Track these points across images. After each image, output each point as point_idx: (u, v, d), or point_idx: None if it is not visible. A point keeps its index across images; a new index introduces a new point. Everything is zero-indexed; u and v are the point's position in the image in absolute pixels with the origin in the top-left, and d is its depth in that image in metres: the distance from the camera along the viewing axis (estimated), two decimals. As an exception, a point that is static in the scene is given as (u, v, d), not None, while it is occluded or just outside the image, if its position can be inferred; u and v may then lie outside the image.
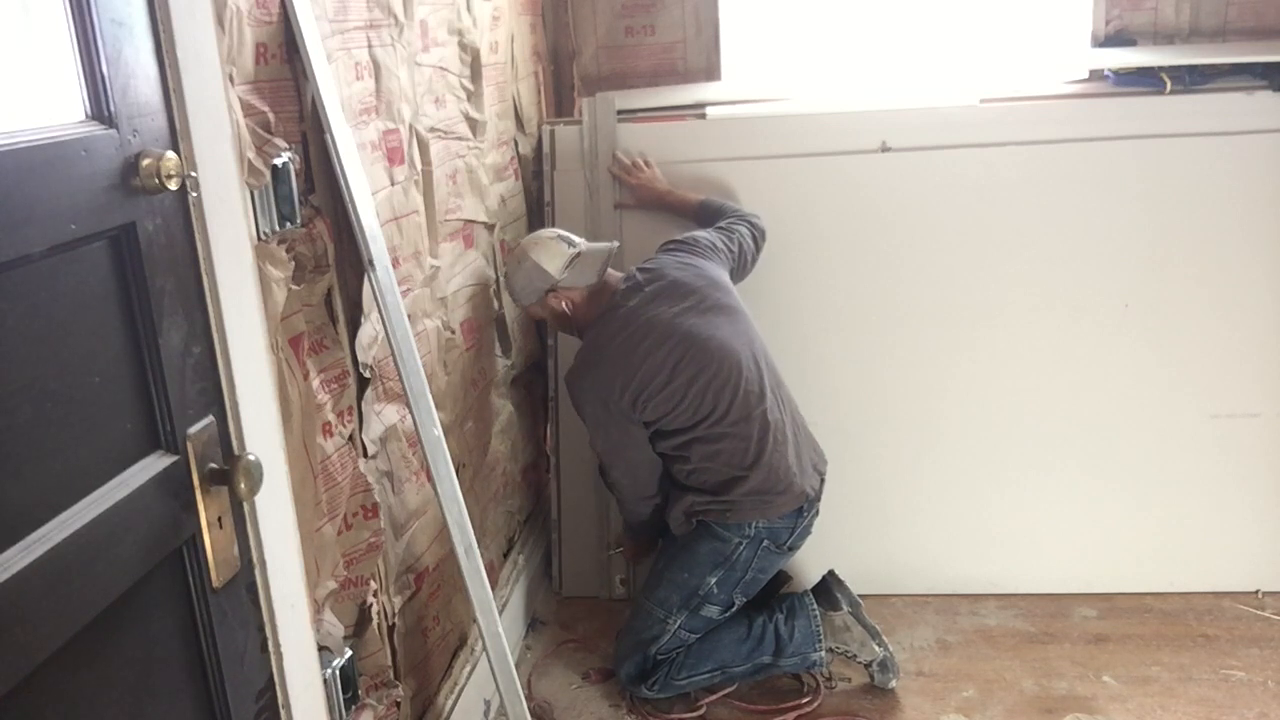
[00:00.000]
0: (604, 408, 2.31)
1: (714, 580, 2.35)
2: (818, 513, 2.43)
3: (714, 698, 2.41)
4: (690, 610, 2.36)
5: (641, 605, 2.43)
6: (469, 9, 2.34)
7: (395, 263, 1.86)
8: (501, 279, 2.59)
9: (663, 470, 2.42)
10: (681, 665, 2.37)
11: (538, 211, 2.90)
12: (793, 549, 2.41)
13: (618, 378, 2.28)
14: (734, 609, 2.40)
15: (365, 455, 1.80)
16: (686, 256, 2.45)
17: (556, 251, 2.38)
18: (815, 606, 2.42)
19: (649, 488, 2.42)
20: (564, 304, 2.40)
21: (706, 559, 2.35)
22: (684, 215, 2.70)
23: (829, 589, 2.47)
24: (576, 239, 2.43)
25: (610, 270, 2.42)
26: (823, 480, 2.45)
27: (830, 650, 2.40)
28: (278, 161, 1.48)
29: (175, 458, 1.12)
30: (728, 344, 2.32)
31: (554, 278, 2.37)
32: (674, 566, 2.39)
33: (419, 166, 2.05)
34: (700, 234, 2.53)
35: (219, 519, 1.18)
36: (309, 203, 1.62)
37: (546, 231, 2.47)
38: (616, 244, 2.49)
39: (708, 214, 2.65)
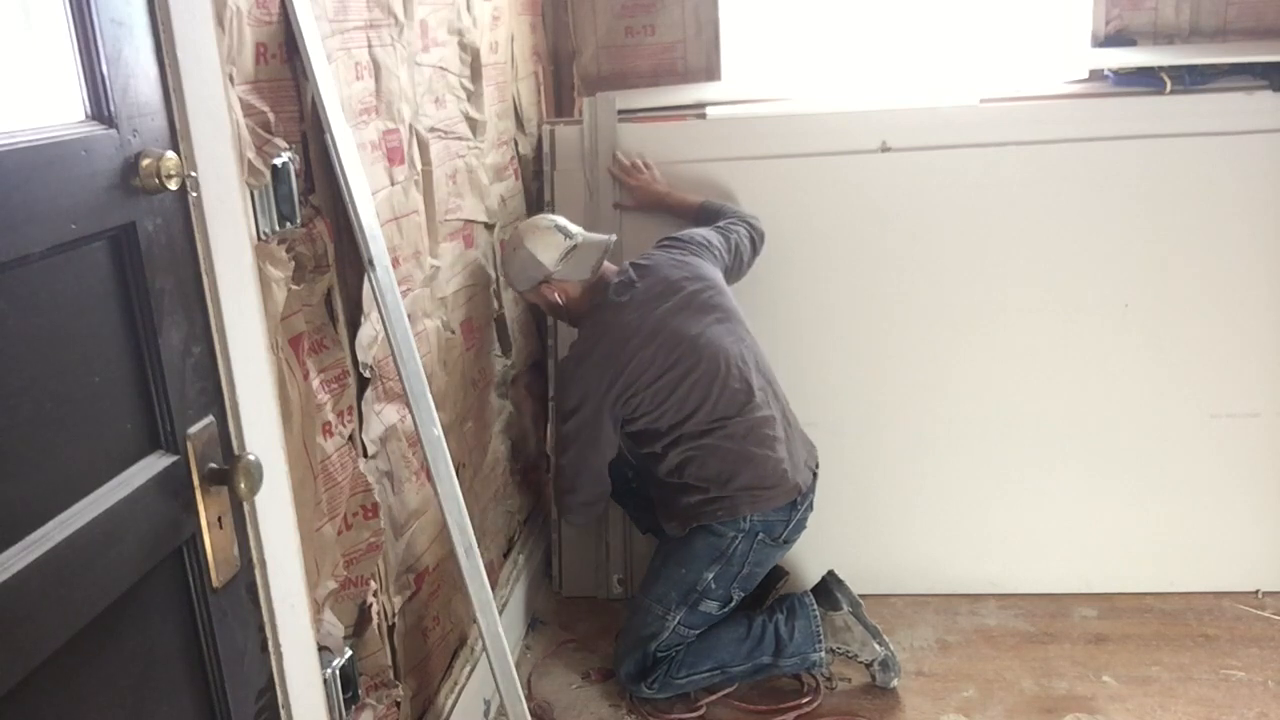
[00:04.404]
0: (585, 400, 2.32)
1: (711, 575, 2.35)
2: (811, 506, 2.43)
3: (714, 698, 2.41)
4: (689, 606, 2.36)
5: (640, 603, 2.43)
6: (469, 9, 2.34)
7: (395, 263, 1.86)
8: (500, 279, 2.59)
9: (652, 475, 2.43)
10: (681, 664, 2.37)
11: (538, 211, 2.90)
12: (788, 542, 2.42)
13: (606, 374, 2.30)
14: (732, 604, 2.40)
15: (365, 455, 1.80)
16: (681, 254, 2.46)
17: (552, 243, 2.37)
18: (815, 607, 2.42)
19: (583, 491, 2.43)
20: (557, 295, 2.40)
21: (703, 554, 2.35)
22: (683, 217, 2.70)
23: (829, 589, 2.47)
24: (573, 229, 2.42)
25: (606, 263, 2.42)
26: (815, 475, 2.45)
27: (831, 650, 2.40)
28: (278, 161, 1.48)
29: (175, 458, 1.12)
30: (716, 342, 2.33)
31: (548, 270, 2.36)
32: (671, 563, 2.40)
33: (419, 166, 2.05)
34: (697, 232, 2.54)
35: (219, 519, 1.18)
36: (309, 203, 1.62)
37: (544, 219, 2.44)
38: (614, 237, 2.47)
39: (707, 216, 2.65)
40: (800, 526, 2.42)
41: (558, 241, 2.38)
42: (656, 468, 2.40)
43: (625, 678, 2.41)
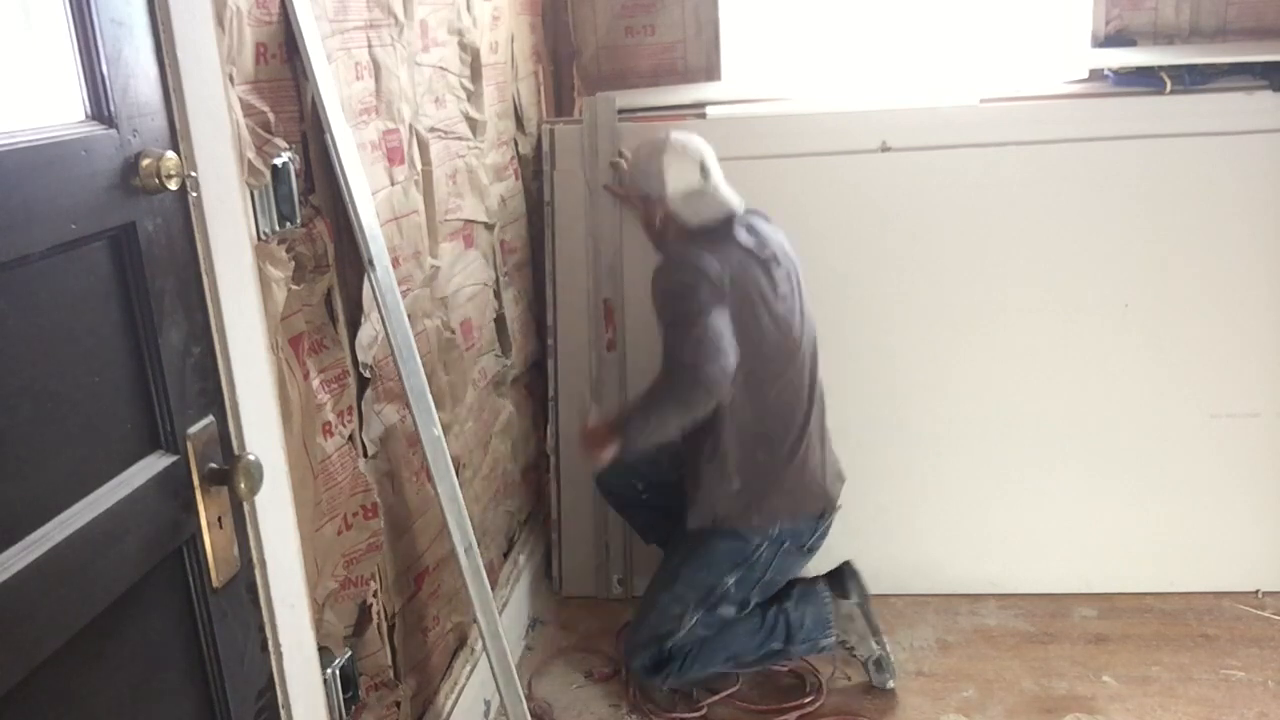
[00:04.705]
0: (703, 281, 2.16)
1: (732, 580, 2.31)
2: (835, 512, 2.42)
3: (716, 698, 2.41)
4: (707, 609, 2.33)
5: (657, 601, 2.37)
6: (469, 9, 2.34)
7: (395, 263, 1.86)
8: (501, 279, 2.59)
9: (695, 454, 2.32)
10: (696, 659, 2.34)
11: (538, 211, 2.90)
12: (812, 550, 2.40)
13: (722, 270, 2.19)
14: (749, 608, 2.38)
15: (365, 455, 1.80)
16: (785, 241, 2.39)
17: (687, 176, 2.29)
18: (828, 592, 2.41)
19: (729, 354, 2.16)
20: (659, 218, 2.33)
21: (725, 559, 2.31)
22: None
23: (843, 578, 2.46)
24: (714, 174, 2.32)
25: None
26: (842, 484, 2.45)
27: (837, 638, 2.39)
28: (278, 161, 1.48)
29: (175, 458, 1.12)
30: (809, 338, 2.33)
31: (665, 194, 2.29)
32: (691, 564, 2.35)
33: (419, 166, 2.05)
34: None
35: (219, 519, 1.18)
36: (309, 203, 1.62)
37: (696, 149, 2.33)
38: (742, 207, 2.35)
39: None
40: (824, 535, 2.40)
41: (692, 179, 2.29)
42: (704, 444, 2.30)
43: (640, 670, 2.38)
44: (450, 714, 2.11)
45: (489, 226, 2.52)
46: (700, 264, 2.20)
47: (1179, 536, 2.71)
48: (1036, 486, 2.74)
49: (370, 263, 1.70)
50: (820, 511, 2.35)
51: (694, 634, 2.35)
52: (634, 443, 2.23)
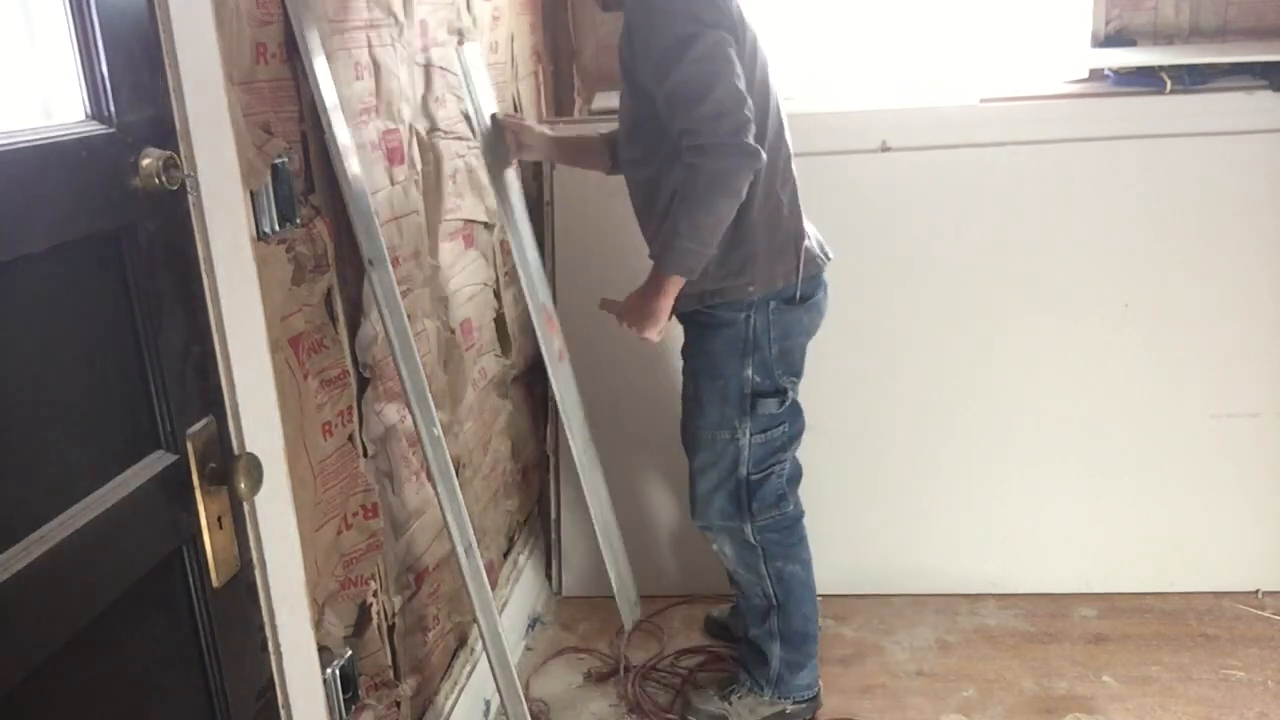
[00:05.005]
0: (704, 14, 1.88)
1: (749, 370, 2.12)
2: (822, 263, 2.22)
3: (714, 698, 2.41)
4: (750, 413, 2.14)
5: (701, 440, 2.20)
6: (469, 9, 2.34)
7: (395, 263, 1.86)
8: (501, 279, 2.59)
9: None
10: (785, 550, 2.23)
11: (538, 211, 2.90)
12: (807, 300, 2.15)
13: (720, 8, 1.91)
14: (791, 399, 2.19)
15: (365, 455, 1.81)
16: None
17: None
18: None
19: (747, 113, 1.88)
20: None
21: (726, 352, 2.12)
22: (593, 153, 2.36)
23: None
24: None
25: None
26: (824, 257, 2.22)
27: None
28: (278, 161, 1.48)
29: (175, 457, 1.12)
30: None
31: None
32: (703, 382, 2.17)
33: (419, 166, 2.05)
34: None
35: (219, 519, 1.18)
36: (309, 203, 1.62)
37: None
38: None
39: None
40: (817, 284, 2.18)
41: None
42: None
43: (720, 516, 2.22)
44: (450, 714, 2.11)
45: (489, 226, 2.52)
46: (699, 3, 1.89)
47: (1179, 536, 2.71)
48: (1036, 486, 2.74)
49: (370, 263, 1.70)
50: (796, 259, 2.11)
51: (758, 452, 2.18)
52: (685, 264, 1.95)
